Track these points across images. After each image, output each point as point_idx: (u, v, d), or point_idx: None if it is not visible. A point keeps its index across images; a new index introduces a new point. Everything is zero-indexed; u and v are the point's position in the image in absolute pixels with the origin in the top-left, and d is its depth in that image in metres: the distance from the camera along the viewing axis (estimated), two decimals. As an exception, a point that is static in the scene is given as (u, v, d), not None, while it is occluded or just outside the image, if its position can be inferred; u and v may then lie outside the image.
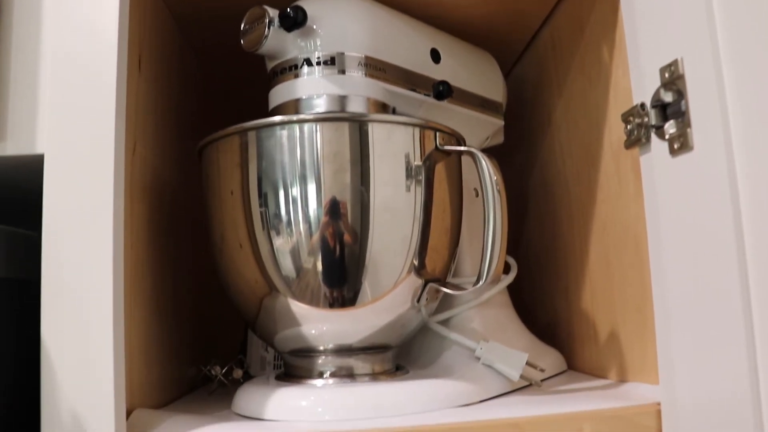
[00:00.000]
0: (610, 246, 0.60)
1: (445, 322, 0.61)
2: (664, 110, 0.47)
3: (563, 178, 0.70)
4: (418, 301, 0.52)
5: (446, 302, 0.61)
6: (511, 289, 0.70)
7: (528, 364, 0.56)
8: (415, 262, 0.52)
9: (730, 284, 0.42)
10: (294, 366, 0.55)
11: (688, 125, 0.43)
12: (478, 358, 0.56)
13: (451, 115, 0.63)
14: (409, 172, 0.51)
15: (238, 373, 0.65)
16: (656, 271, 0.49)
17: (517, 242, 0.84)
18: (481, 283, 0.50)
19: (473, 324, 0.60)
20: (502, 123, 0.70)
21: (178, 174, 0.67)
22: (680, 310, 0.46)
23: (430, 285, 0.52)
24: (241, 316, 0.56)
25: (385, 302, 0.51)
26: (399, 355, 0.59)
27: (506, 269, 0.67)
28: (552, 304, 0.75)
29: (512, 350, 0.56)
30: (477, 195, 0.66)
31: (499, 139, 0.72)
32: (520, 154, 0.82)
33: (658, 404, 0.49)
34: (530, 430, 0.47)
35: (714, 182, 0.42)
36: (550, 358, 0.65)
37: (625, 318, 0.58)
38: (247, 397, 0.52)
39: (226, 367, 0.63)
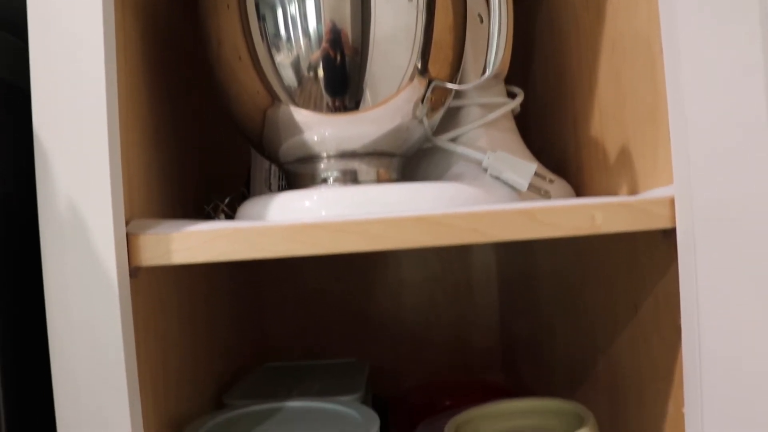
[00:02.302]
0: (620, 62, 0.58)
1: (451, 142, 0.59)
2: None
3: (571, 7, 0.67)
4: (423, 101, 0.51)
5: (452, 122, 0.60)
6: (519, 130, 0.68)
7: (537, 175, 0.54)
8: (419, 65, 0.50)
9: (754, 58, 0.41)
10: (298, 175, 0.53)
11: None
12: (486, 170, 0.55)
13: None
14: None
15: (241, 210, 0.63)
16: (670, 58, 0.47)
17: (524, 88, 0.81)
18: (487, 72, 0.48)
19: (480, 142, 0.59)
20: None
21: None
22: (696, 97, 0.45)
23: (435, 83, 0.51)
24: (245, 136, 0.55)
25: (391, 104, 0.50)
26: (404, 177, 0.57)
27: (511, 96, 0.65)
28: (560, 142, 0.73)
29: (520, 160, 0.54)
30: (482, 21, 0.63)
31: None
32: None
33: (672, 197, 0.48)
34: (541, 217, 0.46)
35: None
36: (558, 185, 0.63)
37: (636, 131, 0.56)
38: (249, 206, 0.51)
39: (228, 199, 0.61)
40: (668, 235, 0.49)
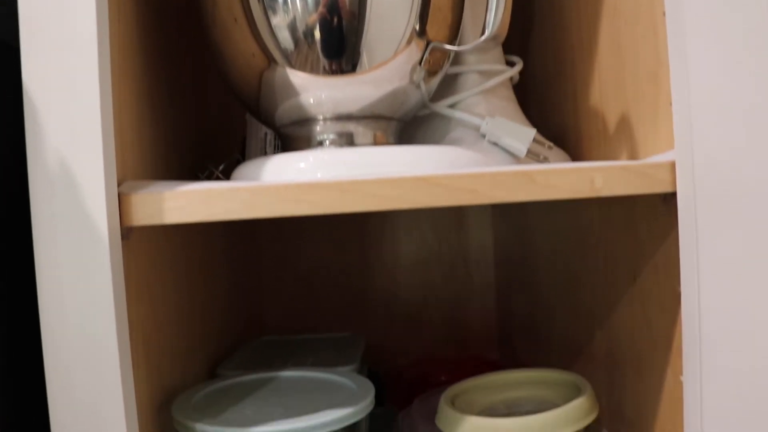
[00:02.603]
0: (621, 26, 0.57)
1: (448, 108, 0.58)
2: None
3: (571, -23, 0.67)
4: (420, 63, 0.50)
5: (450, 89, 0.59)
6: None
7: (535, 141, 0.54)
8: (417, 26, 0.49)
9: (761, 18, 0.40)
10: (293, 139, 0.52)
11: None
12: (484, 136, 0.54)
13: None
14: None
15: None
16: (673, 20, 0.46)
17: (523, 61, 0.81)
18: (486, 33, 0.47)
19: (478, 110, 0.58)
20: None
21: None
22: (699, 58, 0.44)
23: (433, 45, 0.50)
24: (240, 100, 0.54)
25: (388, 66, 0.49)
26: (401, 143, 0.57)
27: (511, 65, 0.65)
28: (559, 114, 0.72)
29: (519, 126, 0.53)
30: (480, -12, 0.62)
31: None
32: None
33: (673, 161, 0.47)
34: (540, 179, 0.45)
35: None
36: (556, 154, 0.62)
37: (636, 97, 0.55)
38: (243, 169, 0.51)
39: (223, 165, 0.60)
40: (668, 201, 0.49)
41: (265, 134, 0.66)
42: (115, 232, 0.44)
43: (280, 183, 0.43)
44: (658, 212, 0.51)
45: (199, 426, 0.49)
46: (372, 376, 0.81)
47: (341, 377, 0.58)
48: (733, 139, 0.45)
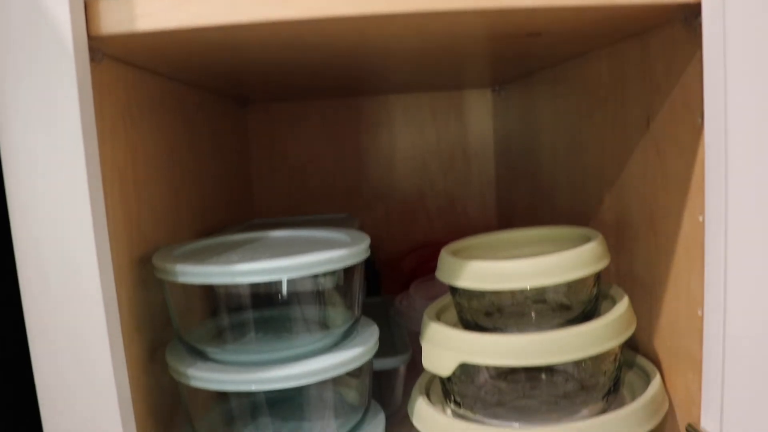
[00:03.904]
0: None
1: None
2: None
3: None
4: None
5: None
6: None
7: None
8: None
9: None
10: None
11: None
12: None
13: None
14: None
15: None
16: None
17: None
18: None
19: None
20: None
21: None
22: None
23: None
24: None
25: None
26: None
27: None
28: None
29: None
30: None
31: None
32: None
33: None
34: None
35: None
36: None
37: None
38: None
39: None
40: (690, 21, 0.44)
41: None
42: (82, 41, 0.39)
43: (265, -15, 0.39)
44: (676, 40, 0.47)
45: (179, 267, 0.45)
46: (367, 266, 0.78)
47: (335, 233, 0.54)
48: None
